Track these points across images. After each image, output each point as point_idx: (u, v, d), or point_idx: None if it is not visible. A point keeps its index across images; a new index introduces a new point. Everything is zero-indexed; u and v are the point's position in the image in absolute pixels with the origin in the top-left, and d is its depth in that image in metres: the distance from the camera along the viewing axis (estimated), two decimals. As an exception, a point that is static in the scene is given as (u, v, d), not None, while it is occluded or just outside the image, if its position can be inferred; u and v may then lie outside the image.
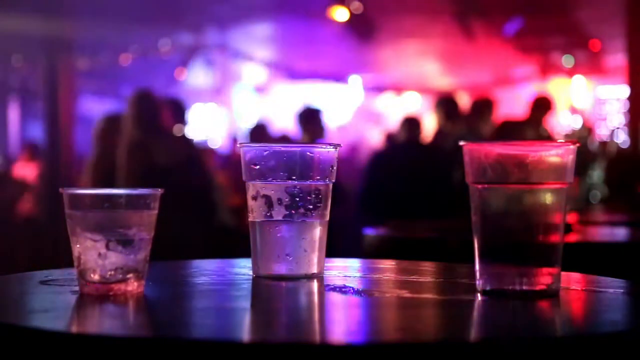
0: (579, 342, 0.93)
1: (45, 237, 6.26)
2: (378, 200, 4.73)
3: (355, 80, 11.84)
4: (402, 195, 4.61)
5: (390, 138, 6.75)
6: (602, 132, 9.64)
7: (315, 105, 5.87)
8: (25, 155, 8.20)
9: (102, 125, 4.75)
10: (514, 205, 1.16)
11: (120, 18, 7.86)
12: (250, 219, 1.35)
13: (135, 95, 4.36)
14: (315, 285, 1.30)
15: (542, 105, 5.81)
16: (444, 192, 4.52)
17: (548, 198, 1.16)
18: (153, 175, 4.08)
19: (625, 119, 8.16)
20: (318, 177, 1.33)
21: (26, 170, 7.56)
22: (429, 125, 5.96)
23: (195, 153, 4.51)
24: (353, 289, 1.28)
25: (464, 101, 6.99)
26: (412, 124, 5.10)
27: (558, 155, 1.17)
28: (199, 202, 4.29)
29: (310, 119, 5.15)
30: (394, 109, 11.99)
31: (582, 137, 6.55)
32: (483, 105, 5.50)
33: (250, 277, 1.35)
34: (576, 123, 8.51)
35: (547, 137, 5.56)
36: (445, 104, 5.48)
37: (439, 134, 5.39)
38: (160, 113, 4.35)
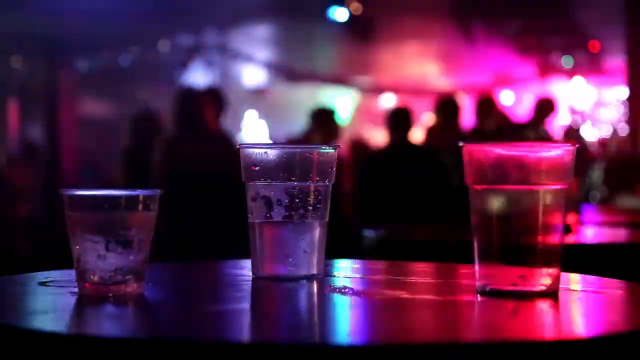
0: (579, 344, 0.93)
1: (45, 238, 6.26)
2: (371, 204, 4.62)
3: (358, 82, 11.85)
4: (394, 199, 4.50)
5: (356, 145, 6.59)
6: (601, 133, 9.64)
7: (329, 105, 5.82)
8: (23, 157, 8.18)
9: (133, 123, 4.78)
10: (514, 206, 1.16)
11: (119, 19, 7.86)
12: (249, 220, 1.35)
13: (177, 92, 4.36)
14: (314, 286, 1.30)
15: (545, 107, 5.82)
16: (438, 194, 4.45)
17: (547, 199, 1.16)
18: (187, 175, 4.07)
19: (625, 120, 8.16)
20: (317, 178, 1.33)
21: (23, 173, 7.53)
22: (421, 120, 5.91)
23: (234, 153, 4.43)
24: (352, 290, 1.28)
25: (464, 102, 6.99)
26: (399, 119, 4.90)
27: (557, 156, 1.17)
28: (235, 202, 4.24)
29: (324, 119, 5.07)
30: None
31: (575, 138, 6.56)
32: (485, 104, 5.49)
33: (250, 278, 1.35)
34: (571, 123, 8.53)
35: (548, 139, 5.56)
36: (446, 105, 5.47)
37: (438, 134, 5.38)
38: (201, 111, 4.30)
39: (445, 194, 4.41)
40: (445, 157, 4.71)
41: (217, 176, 4.12)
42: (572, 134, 7.11)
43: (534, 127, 5.59)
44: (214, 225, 4.05)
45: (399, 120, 4.77)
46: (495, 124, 5.30)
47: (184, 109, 4.24)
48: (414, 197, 4.41)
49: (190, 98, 4.32)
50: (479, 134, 5.12)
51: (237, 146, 1.37)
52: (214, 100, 4.58)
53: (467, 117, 6.37)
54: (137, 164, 4.55)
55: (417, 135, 6.92)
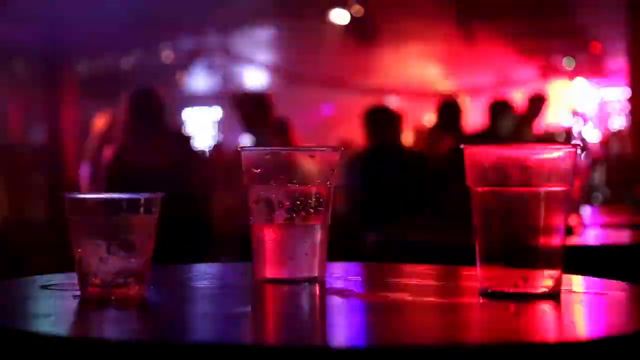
0: (581, 345, 0.93)
1: (47, 241, 6.26)
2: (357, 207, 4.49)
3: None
4: (377, 201, 4.35)
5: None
6: (603, 135, 9.63)
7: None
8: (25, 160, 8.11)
9: (101, 126, 4.74)
10: (515, 208, 1.16)
11: (121, 22, 7.86)
12: (251, 223, 1.35)
13: (130, 93, 4.27)
14: (316, 288, 1.30)
15: (537, 101, 5.83)
16: (422, 196, 4.34)
17: (549, 200, 1.16)
18: (139, 177, 3.98)
19: (627, 121, 8.16)
20: (319, 181, 1.33)
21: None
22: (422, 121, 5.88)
23: (190, 153, 4.38)
24: (354, 292, 1.28)
25: (466, 104, 6.99)
26: (379, 120, 4.60)
27: (559, 157, 1.16)
28: (192, 205, 4.19)
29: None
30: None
31: (576, 139, 6.56)
32: (500, 107, 5.46)
33: (252, 281, 1.35)
34: (573, 124, 8.53)
35: (544, 134, 5.55)
36: (447, 107, 5.45)
37: (438, 136, 5.36)
38: (157, 112, 4.22)
39: (428, 196, 4.34)
40: (442, 159, 4.67)
41: (174, 179, 4.04)
42: (573, 135, 7.12)
43: (529, 122, 5.56)
44: (170, 231, 3.97)
45: (379, 120, 4.65)
46: (510, 127, 5.26)
47: (135, 111, 4.16)
48: (397, 199, 4.32)
49: (141, 100, 4.22)
50: (490, 136, 5.06)
51: (238, 149, 1.37)
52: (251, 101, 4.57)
53: (471, 119, 6.36)
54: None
55: (410, 136, 6.88)
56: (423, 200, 4.32)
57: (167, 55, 9.45)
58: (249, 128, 4.69)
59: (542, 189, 1.16)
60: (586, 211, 3.51)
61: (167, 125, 4.38)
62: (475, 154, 1.18)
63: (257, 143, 4.52)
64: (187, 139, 4.67)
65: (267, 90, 9.62)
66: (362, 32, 8.37)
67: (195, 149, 4.75)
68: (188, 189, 4.13)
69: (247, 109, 4.71)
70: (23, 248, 6.53)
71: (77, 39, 7.51)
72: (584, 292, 1.30)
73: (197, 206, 4.26)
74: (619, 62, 9.05)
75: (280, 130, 5.00)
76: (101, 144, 4.57)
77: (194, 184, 4.23)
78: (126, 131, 4.15)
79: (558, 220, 1.17)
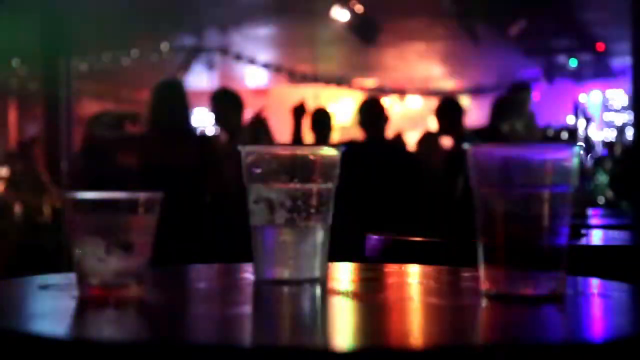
0: (584, 347, 0.92)
1: (46, 240, 6.26)
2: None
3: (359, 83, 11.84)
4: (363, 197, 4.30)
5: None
6: (607, 135, 9.63)
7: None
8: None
9: (91, 122, 4.73)
10: (519, 208, 1.15)
11: (121, 20, 7.86)
12: (252, 223, 1.34)
13: (156, 85, 4.22)
14: (317, 289, 1.29)
15: (520, 91, 5.80)
16: (409, 194, 4.30)
17: (553, 201, 1.15)
18: (155, 176, 3.96)
19: (631, 122, 8.16)
20: (320, 181, 1.32)
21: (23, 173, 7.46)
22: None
23: (210, 156, 4.32)
24: (355, 293, 1.27)
25: (467, 104, 6.99)
26: (372, 113, 4.57)
27: (563, 158, 1.15)
28: (209, 209, 4.15)
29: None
30: (397, 112, 12.00)
31: (581, 140, 6.54)
32: (503, 105, 5.43)
33: (252, 282, 1.34)
34: (577, 125, 8.51)
35: (533, 120, 5.52)
36: (447, 107, 5.43)
37: (438, 137, 5.36)
38: (181, 108, 4.15)
39: (415, 195, 4.31)
40: (443, 160, 4.65)
41: (193, 181, 4.00)
42: (578, 135, 7.11)
43: (517, 109, 5.52)
44: (188, 233, 3.96)
45: (372, 113, 4.59)
46: (510, 126, 5.24)
47: (158, 106, 4.11)
48: (383, 197, 4.27)
49: (165, 93, 4.16)
50: (492, 134, 5.04)
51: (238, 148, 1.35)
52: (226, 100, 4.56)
53: (473, 119, 6.35)
54: (98, 163, 4.48)
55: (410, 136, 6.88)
56: (420, 200, 4.30)
57: (167, 53, 9.46)
58: (220, 124, 4.67)
59: (546, 190, 1.15)
60: (590, 212, 3.50)
61: (190, 124, 4.33)
62: (478, 154, 1.17)
63: (232, 140, 4.51)
64: (209, 141, 4.63)
65: (255, 89, 9.62)
66: (364, 31, 8.36)
67: (216, 152, 4.69)
68: (204, 193, 4.11)
69: (220, 106, 4.70)
70: (23, 248, 6.53)
71: (77, 36, 7.52)
72: (588, 294, 1.29)
73: (213, 211, 4.22)
74: (623, 62, 9.06)
75: (257, 128, 4.96)
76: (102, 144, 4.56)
77: (213, 185, 4.18)
78: (149, 126, 4.12)
79: (562, 221, 1.16)
